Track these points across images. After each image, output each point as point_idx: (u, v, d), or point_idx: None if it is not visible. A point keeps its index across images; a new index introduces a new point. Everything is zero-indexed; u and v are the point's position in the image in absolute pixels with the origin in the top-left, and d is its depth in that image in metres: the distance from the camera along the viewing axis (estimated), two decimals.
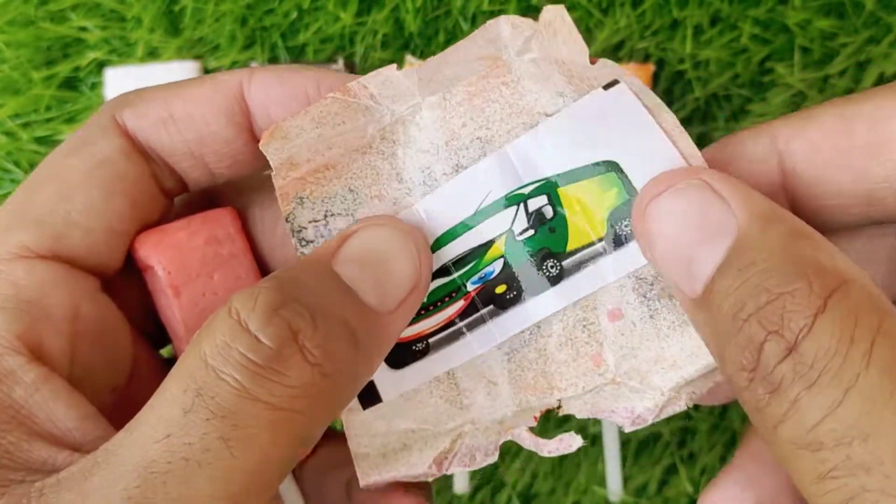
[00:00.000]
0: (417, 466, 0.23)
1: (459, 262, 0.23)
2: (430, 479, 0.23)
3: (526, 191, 0.23)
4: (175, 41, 0.42)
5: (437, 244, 0.23)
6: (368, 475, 0.23)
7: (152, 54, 0.42)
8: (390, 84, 0.23)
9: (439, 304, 0.23)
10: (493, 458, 0.23)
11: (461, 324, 0.23)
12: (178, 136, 0.23)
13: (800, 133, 0.21)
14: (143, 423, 0.18)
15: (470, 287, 0.23)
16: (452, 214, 0.23)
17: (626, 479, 0.40)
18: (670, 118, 0.22)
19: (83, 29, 0.41)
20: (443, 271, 0.23)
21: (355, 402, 0.23)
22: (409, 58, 0.42)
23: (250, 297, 0.19)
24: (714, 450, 0.40)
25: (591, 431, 0.41)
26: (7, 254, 0.22)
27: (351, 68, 0.42)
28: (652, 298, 0.22)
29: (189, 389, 0.18)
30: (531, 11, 0.40)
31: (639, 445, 0.41)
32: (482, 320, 0.23)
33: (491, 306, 0.23)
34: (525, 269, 0.23)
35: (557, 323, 0.23)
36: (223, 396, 0.18)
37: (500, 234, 0.23)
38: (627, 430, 0.22)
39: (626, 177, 0.22)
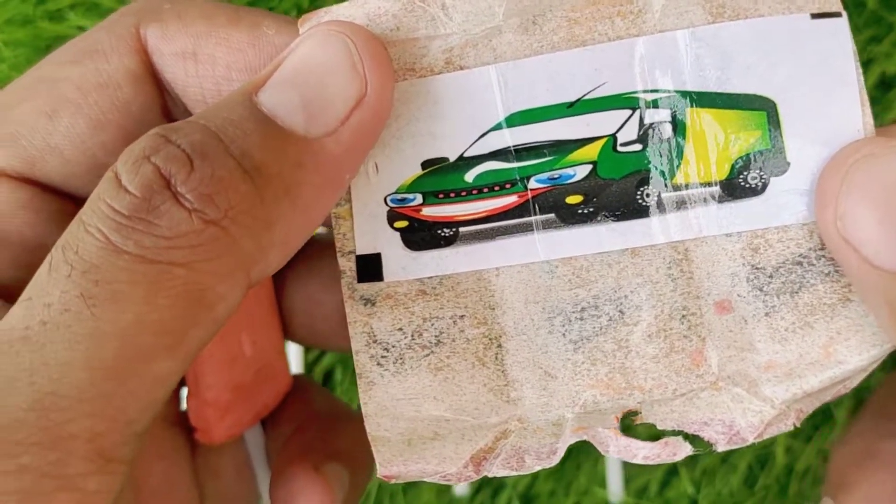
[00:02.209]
0: (450, 462, 0.19)
1: (527, 150, 0.19)
2: (462, 482, 0.19)
3: (648, 97, 0.19)
4: None
5: (511, 121, 0.19)
6: (390, 463, 0.19)
7: None
8: None
9: (485, 190, 0.19)
10: (551, 463, 0.19)
11: (504, 223, 0.19)
12: (194, 78, 0.20)
13: None
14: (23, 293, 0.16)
15: (533, 184, 0.19)
16: (543, 92, 0.19)
17: (626, 480, 0.40)
18: (862, 80, 0.18)
19: (81, 28, 0.41)
20: (501, 154, 0.19)
21: (377, 375, 0.20)
22: None
23: (131, 146, 0.17)
24: None
25: None
26: None
27: None
28: (770, 293, 0.19)
29: (57, 247, 0.16)
30: None
31: None
32: (528, 228, 0.19)
33: (551, 215, 0.19)
34: (613, 187, 0.19)
35: (648, 310, 0.19)
36: (85, 249, 0.16)
37: (599, 137, 0.19)
38: (720, 448, 0.19)
39: (780, 123, 0.18)
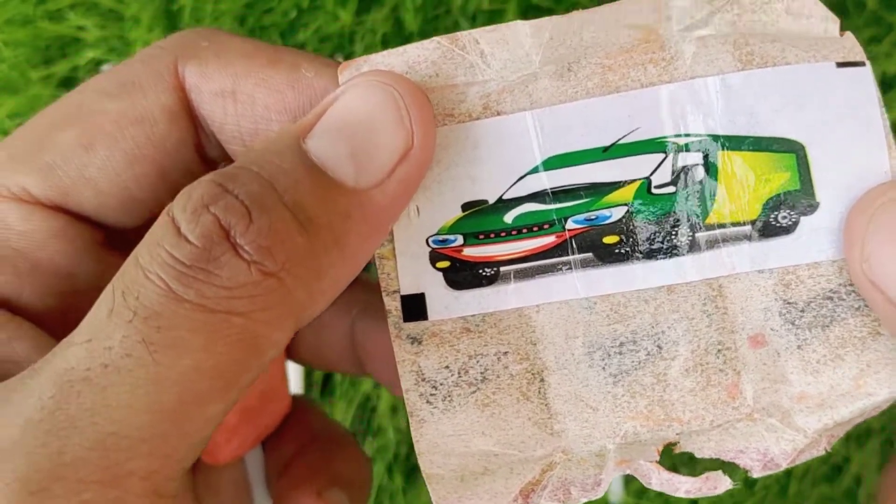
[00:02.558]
0: (502, 497, 0.20)
1: (564, 193, 0.20)
2: None
3: (681, 141, 0.19)
4: None
5: (548, 164, 0.20)
6: (445, 500, 0.20)
7: None
8: (506, 45, 0.19)
9: (525, 231, 0.20)
10: (596, 495, 0.20)
11: (543, 261, 0.20)
12: (233, 117, 0.20)
13: None
14: (76, 331, 0.17)
15: (571, 225, 0.20)
16: (578, 137, 0.20)
17: (627, 480, 0.40)
18: (888, 125, 0.19)
19: (81, 28, 0.41)
20: (539, 196, 0.20)
21: (427, 413, 0.20)
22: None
23: (186, 192, 0.17)
24: None
25: None
26: (6, 191, 0.20)
27: None
28: (801, 327, 0.19)
29: (116, 289, 0.17)
30: (531, 11, 0.40)
31: None
32: (567, 266, 0.20)
33: (589, 254, 0.20)
34: (648, 228, 0.20)
35: (685, 344, 0.20)
36: (147, 296, 0.16)
37: (634, 180, 0.20)
38: (756, 474, 0.20)
39: (808, 166, 0.19)
